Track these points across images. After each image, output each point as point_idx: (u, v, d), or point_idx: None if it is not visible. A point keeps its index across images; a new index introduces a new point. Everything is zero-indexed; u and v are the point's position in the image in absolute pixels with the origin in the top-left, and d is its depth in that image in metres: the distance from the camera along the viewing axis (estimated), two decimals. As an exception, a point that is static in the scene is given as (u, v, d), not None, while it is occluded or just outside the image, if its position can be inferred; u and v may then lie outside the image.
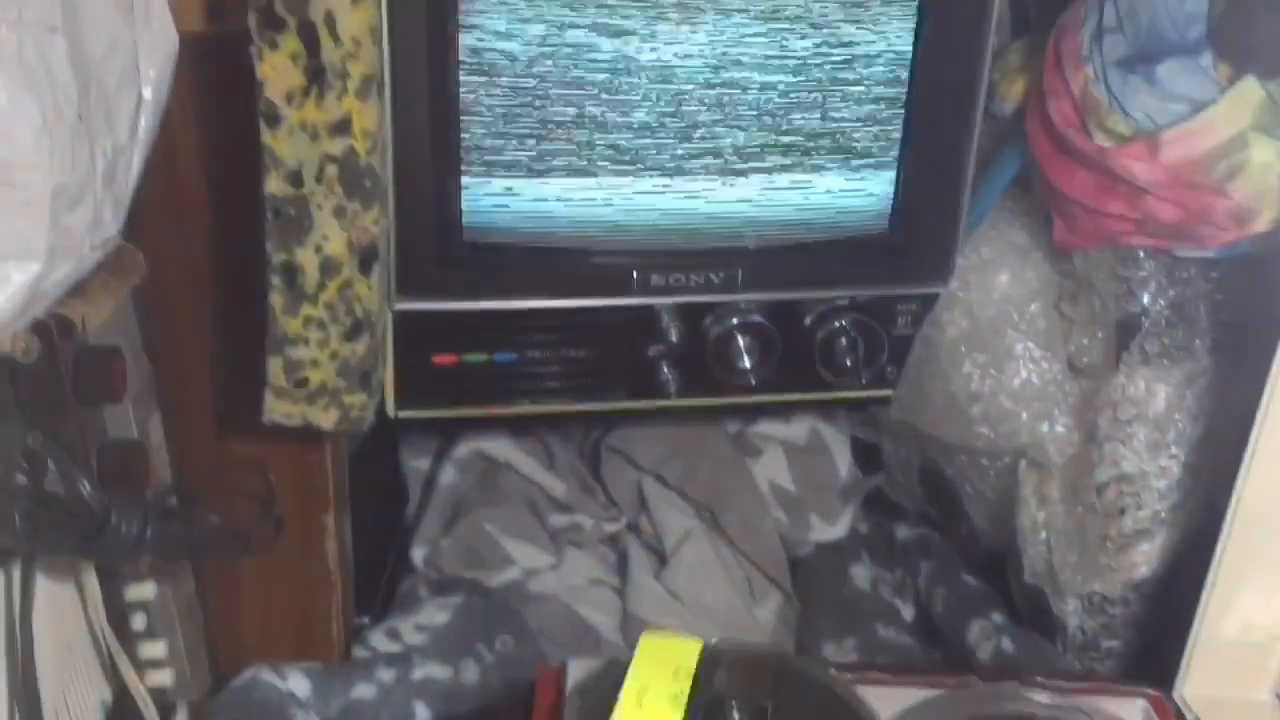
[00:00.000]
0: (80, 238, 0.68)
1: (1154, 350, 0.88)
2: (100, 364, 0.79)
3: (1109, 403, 0.89)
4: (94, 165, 0.68)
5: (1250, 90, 0.76)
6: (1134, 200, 0.82)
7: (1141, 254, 0.88)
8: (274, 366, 0.84)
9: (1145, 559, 0.91)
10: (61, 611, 0.82)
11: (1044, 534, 0.96)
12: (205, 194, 0.88)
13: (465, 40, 0.83)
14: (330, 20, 0.74)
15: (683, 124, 0.90)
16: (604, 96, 0.88)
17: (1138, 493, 0.89)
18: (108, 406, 0.84)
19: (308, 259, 0.81)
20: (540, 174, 0.89)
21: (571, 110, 0.88)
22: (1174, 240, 0.84)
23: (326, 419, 0.87)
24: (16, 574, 0.76)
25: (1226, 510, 0.78)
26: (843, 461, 1.23)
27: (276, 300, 0.82)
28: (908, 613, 1.18)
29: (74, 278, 0.71)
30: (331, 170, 0.78)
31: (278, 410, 0.86)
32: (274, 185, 0.78)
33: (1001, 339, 0.96)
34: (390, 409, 0.97)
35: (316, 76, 0.75)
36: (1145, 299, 0.88)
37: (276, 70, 0.75)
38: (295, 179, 0.78)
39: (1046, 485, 0.96)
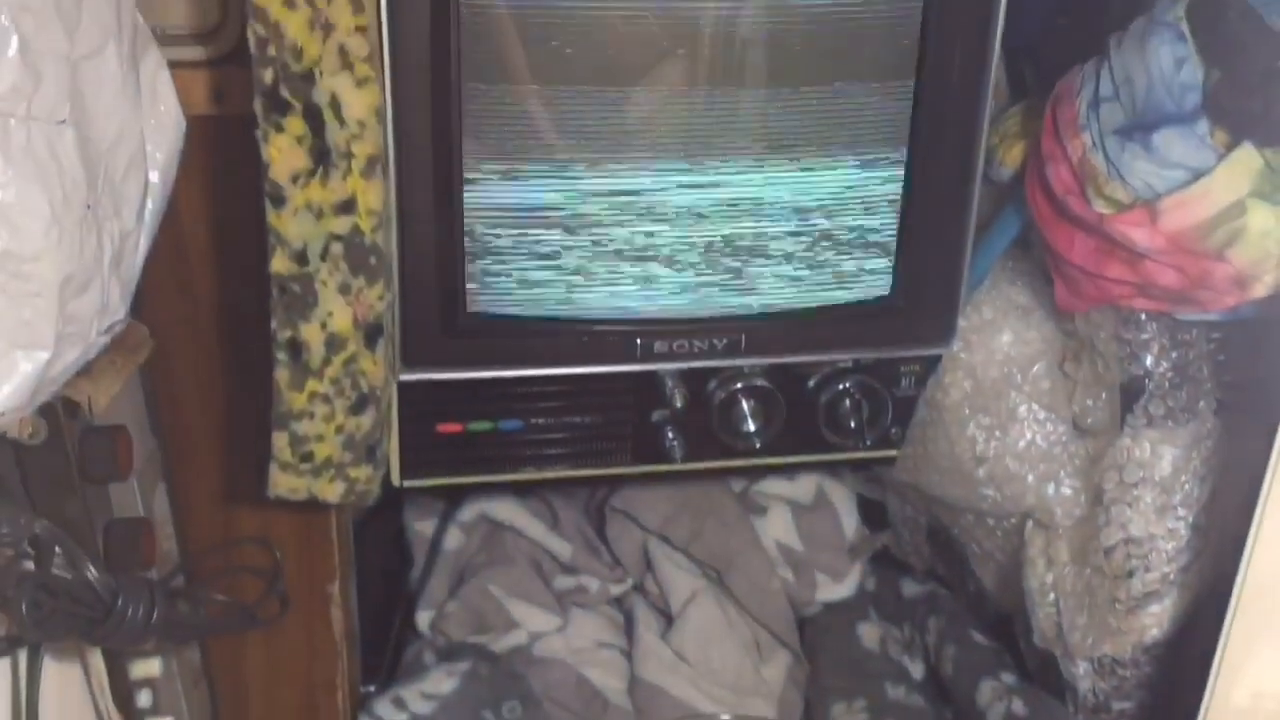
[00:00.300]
0: (88, 324, 0.69)
1: (1158, 413, 0.88)
2: (106, 443, 0.80)
3: (1114, 465, 0.89)
4: (102, 252, 0.68)
5: (1248, 157, 0.76)
6: (1134, 265, 0.82)
7: (1143, 316, 0.88)
8: (279, 441, 0.84)
9: (1155, 621, 0.91)
10: (67, 693, 0.82)
11: (1053, 596, 0.95)
12: (211, 269, 0.89)
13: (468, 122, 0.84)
14: (335, 103, 0.75)
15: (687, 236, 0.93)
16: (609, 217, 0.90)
17: (1146, 555, 0.89)
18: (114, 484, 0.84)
19: (313, 335, 0.81)
20: (543, 256, 0.91)
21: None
22: (1175, 304, 0.84)
23: (332, 493, 0.87)
24: (23, 657, 0.75)
25: (1236, 573, 0.78)
26: (849, 519, 1.23)
27: (282, 376, 0.82)
28: (917, 671, 1.17)
29: (81, 361, 0.71)
30: (336, 248, 0.79)
31: (283, 485, 0.86)
32: (279, 264, 0.79)
33: (1005, 400, 0.96)
34: (395, 478, 0.98)
35: (322, 157, 0.76)
36: (1148, 361, 0.88)
37: (282, 153, 0.75)
38: (300, 257, 0.79)
39: (1054, 547, 0.95)
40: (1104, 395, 0.93)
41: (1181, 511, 0.88)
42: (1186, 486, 0.88)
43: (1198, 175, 0.78)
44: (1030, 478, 0.95)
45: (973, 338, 0.98)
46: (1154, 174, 0.79)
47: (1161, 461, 0.87)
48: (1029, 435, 0.95)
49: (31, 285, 0.63)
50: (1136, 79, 0.79)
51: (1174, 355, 0.88)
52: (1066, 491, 0.94)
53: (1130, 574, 0.90)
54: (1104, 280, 0.85)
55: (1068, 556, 0.95)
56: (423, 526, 1.25)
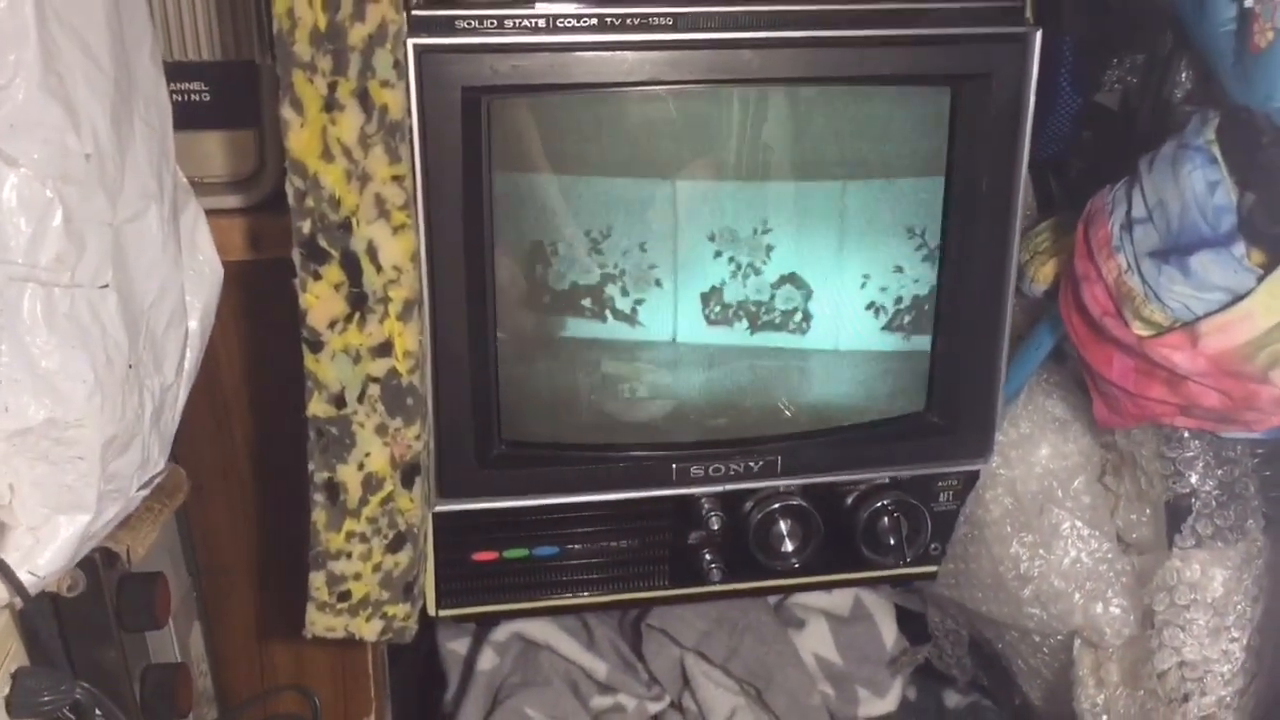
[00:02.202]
0: (129, 480, 0.69)
1: (1207, 532, 0.86)
2: (144, 592, 0.79)
3: (1165, 587, 0.87)
4: (143, 409, 0.68)
5: (1287, 278, 0.76)
6: (1176, 386, 0.81)
7: (1186, 434, 0.87)
8: (316, 581, 0.84)
9: (1213, 746, 0.88)
10: None
11: (1105, 718, 0.93)
12: (246, 408, 0.89)
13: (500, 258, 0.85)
14: (372, 250, 0.75)
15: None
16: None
17: (1201, 679, 0.87)
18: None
19: (350, 476, 0.81)
20: (577, 387, 0.91)
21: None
22: (1219, 424, 0.83)
23: (370, 631, 0.86)
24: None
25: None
26: (888, 631, 1.21)
27: (319, 517, 0.82)
28: (964, 787, 1.14)
29: (121, 516, 0.71)
30: (374, 390, 0.79)
31: (320, 624, 0.85)
32: (317, 407, 0.79)
33: (1047, 516, 0.95)
34: (431, 608, 0.97)
35: (359, 303, 0.76)
36: (1193, 479, 0.87)
37: (320, 299, 0.76)
38: (338, 401, 0.79)
39: (1104, 667, 0.93)
40: (1148, 511, 0.92)
41: (1235, 633, 0.86)
42: (1239, 607, 0.86)
43: (1237, 297, 0.77)
44: (1077, 597, 0.93)
45: (1011, 452, 0.97)
46: (1192, 296, 0.78)
47: (1213, 583, 0.86)
48: (1073, 553, 0.93)
49: (75, 450, 0.63)
50: (1170, 202, 0.79)
51: (1219, 473, 0.87)
52: (1115, 611, 0.92)
53: (1186, 698, 0.87)
54: (1145, 400, 0.84)
55: (1119, 678, 0.92)
56: (456, 646, 1.23)
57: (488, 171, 0.81)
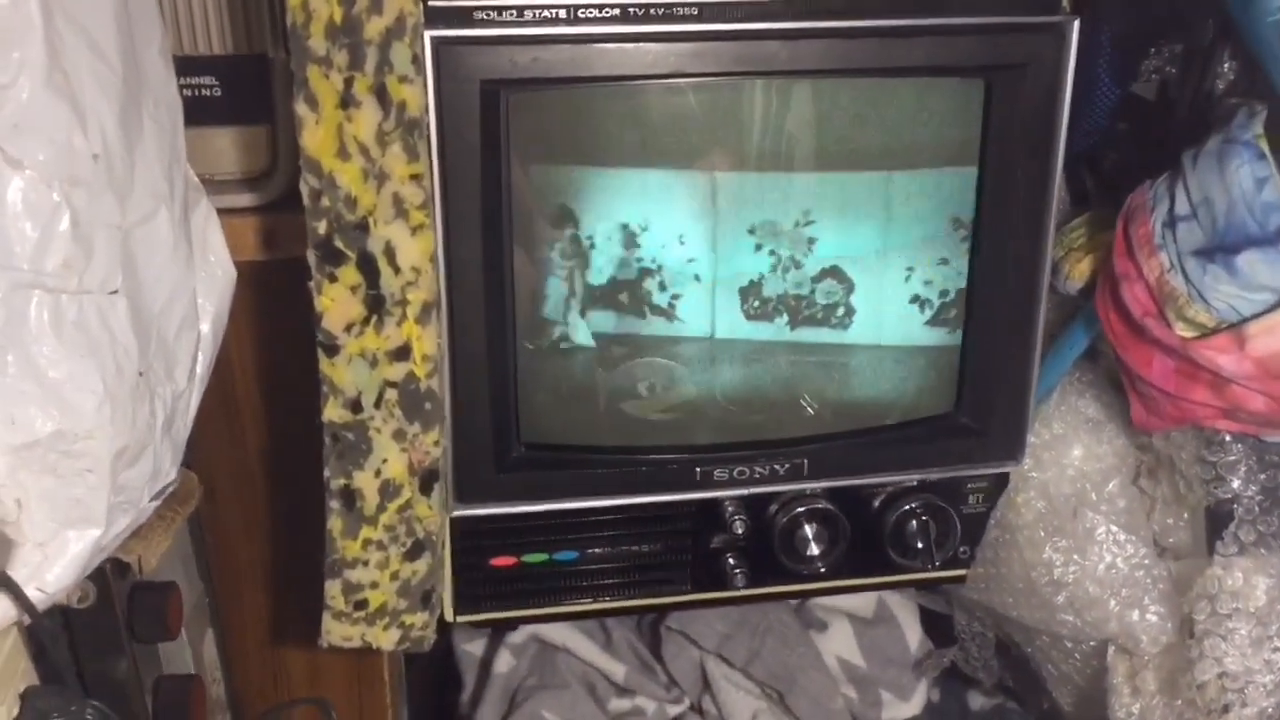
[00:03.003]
0: (140, 492, 0.66)
1: (1249, 539, 0.84)
2: (156, 602, 0.77)
3: (1205, 595, 0.85)
4: (154, 419, 0.66)
5: (1337, 279, 0.73)
6: (1219, 389, 0.79)
7: (1227, 437, 0.84)
8: (332, 590, 0.82)
9: (1254, 758, 0.86)
10: None
11: (1141, 727, 0.91)
12: (259, 412, 0.87)
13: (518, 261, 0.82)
14: (390, 251, 0.73)
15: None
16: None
17: (1242, 690, 0.84)
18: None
19: (367, 483, 0.79)
20: (598, 388, 0.89)
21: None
22: (1264, 428, 0.81)
23: (387, 640, 0.84)
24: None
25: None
26: (913, 634, 1.18)
27: (335, 524, 0.80)
28: (990, 791, 1.12)
29: (132, 528, 0.69)
30: (391, 395, 0.77)
31: (337, 633, 0.83)
32: (332, 412, 0.76)
33: (1081, 520, 0.92)
34: (449, 613, 0.94)
35: (376, 305, 0.74)
36: (1235, 484, 0.84)
37: (335, 302, 0.73)
38: (354, 405, 0.76)
39: (1140, 676, 0.91)
40: (1186, 516, 0.89)
41: (1279, 643, 0.84)
42: (1283, 616, 0.84)
43: (1286, 298, 0.74)
44: (1113, 603, 0.90)
45: (1043, 454, 0.95)
46: (1238, 297, 0.76)
47: (1255, 591, 0.83)
48: (1109, 558, 0.91)
49: (84, 463, 0.61)
50: (1216, 199, 0.76)
51: (1262, 477, 0.84)
52: (1152, 618, 0.90)
53: (1226, 709, 0.85)
54: (1186, 402, 0.81)
55: (1155, 686, 0.90)
56: (472, 648, 1.22)
57: (506, 168, 0.78)
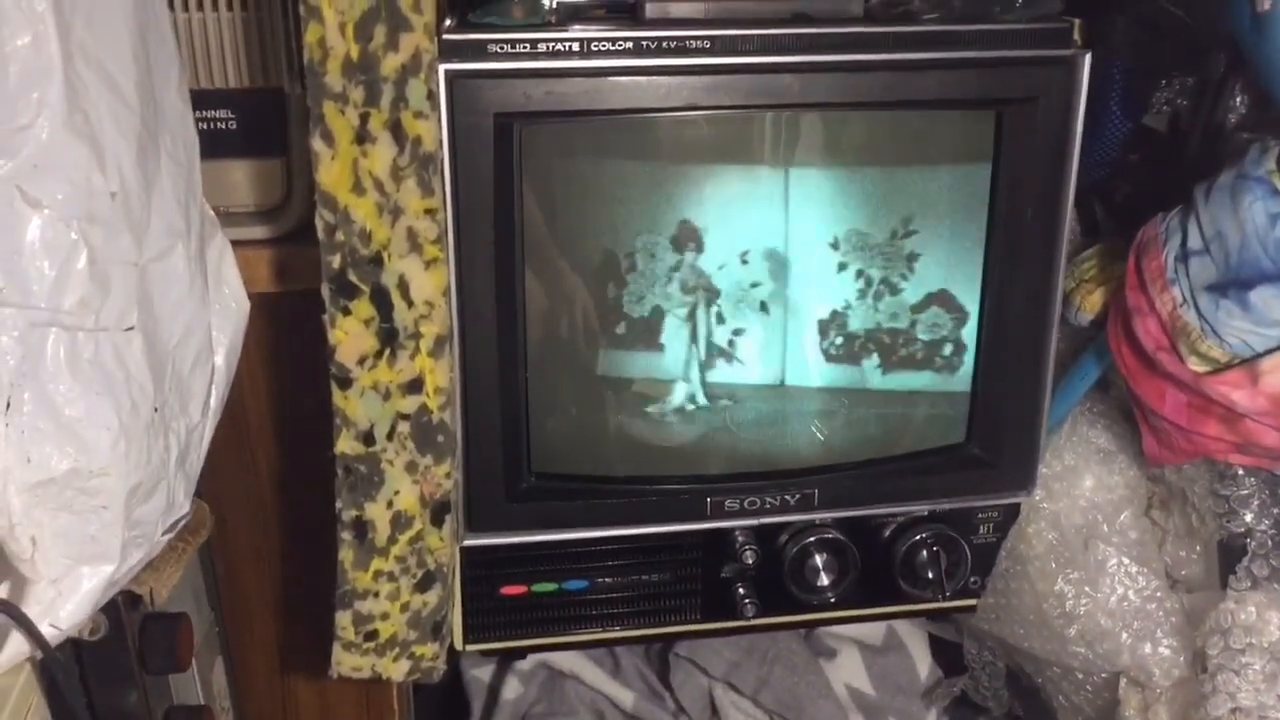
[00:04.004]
0: (153, 527, 0.66)
1: (1262, 574, 0.83)
2: (167, 634, 0.77)
3: (1218, 630, 0.84)
4: (169, 454, 0.66)
5: (1351, 315, 0.73)
6: (1232, 424, 0.79)
7: (1240, 471, 0.84)
8: (343, 620, 0.82)
9: (1267, 793, 0.85)
10: None
11: (1153, 762, 0.90)
12: (271, 442, 0.87)
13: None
14: (404, 285, 0.73)
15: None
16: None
17: (1256, 725, 0.84)
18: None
19: (379, 514, 0.79)
20: (609, 420, 0.88)
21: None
22: (1277, 463, 0.80)
23: (397, 671, 0.84)
24: None
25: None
26: (922, 662, 1.18)
27: (346, 555, 0.80)
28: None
29: (145, 561, 0.69)
30: (404, 427, 0.77)
31: (347, 664, 0.83)
32: (345, 445, 0.77)
33: (1093, 552, 0.92)
34: (458, 642, 0.94)
35: (389, 339, 0.74)
36: (1249, 518, 0.84)
37: (349, 335, 0.73)
38: (367, 438, 0.76)
39: (1153, 709, 0.90)
40: (1198, 549, 0.89)
41: (1292, 678, 0.83)
42: (1296, 651, 0.83)
43: (1299, 334, 0.74)
44: (1125, 636, 0.90)
45: (1054, 485, 0.95)
46: (1252, 333, 0.75)
47: (1269, 626, 0.83)
48: (1120, 590, 0.90)
49: (98, 500, 0.61)
50: (1229, 234, 0.76)
51: (1275, 512, 0.84)
52: (1164, 651, 0.89)
53: (1240, 744, 0.84)
54: (1199, 436, 0.81)
55: (1168, 719, 0.90)
56: (480, 673, 1.22)
57: (519, 200, 0.78)
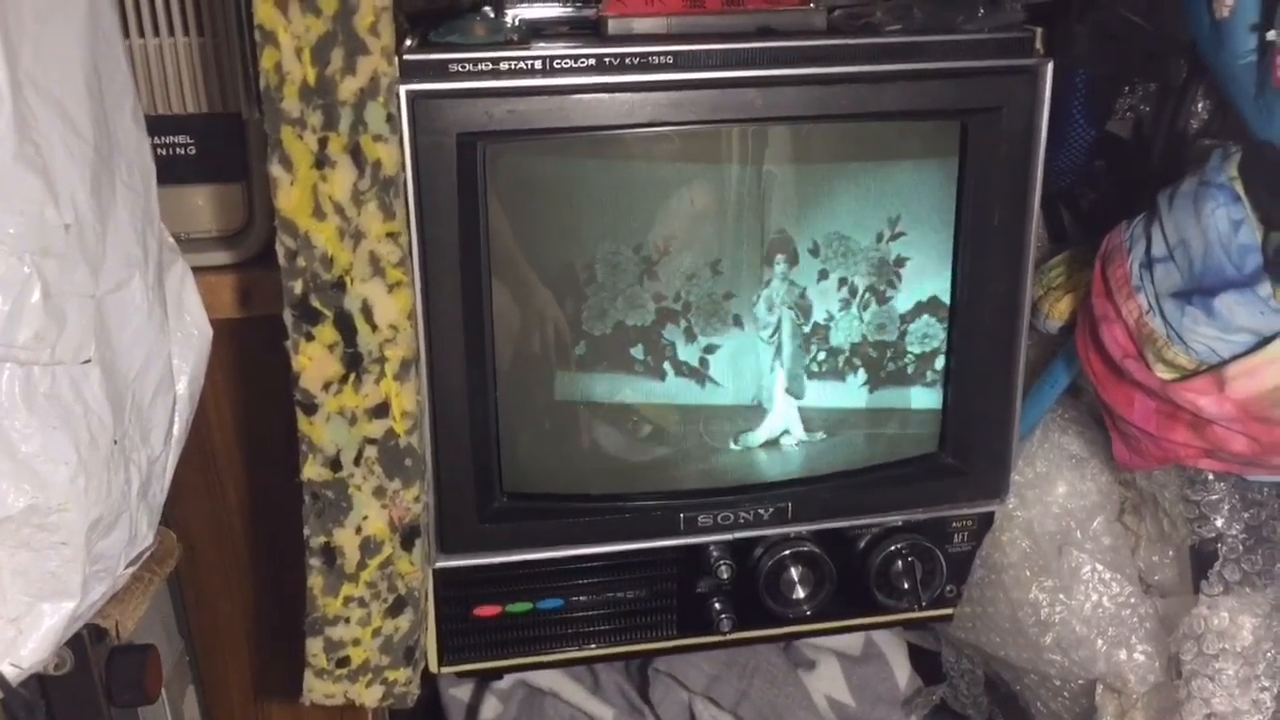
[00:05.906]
0: (116, 559, 0.66)
1: (1234, 578, 0.83)
2: (134, 666, 0.76)
3: (1192, 635, 0.85)
4: (129, 486, 0.65)
5: (1317, 318, 0.73)
6: (1200, 430, 0.79)
7: (1210, 476, 0.84)
8: (314, 647, 0.81)
9: (1244, 798, 0.85)
10: None
11: (1131, 767, 0.90)
12: (239, 469, 0.86)
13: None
14: (367, 309, 0.72)
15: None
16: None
17: (1231, 729, 0.84)
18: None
19: (347, 540, 0.78)
20: (579, 439, 0.87)
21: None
22: (1246, 468, 0.81)
23: (369, 697, 0.83)
24: None
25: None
26: (901, 671, 1.18)
27: (315, 582, 0.79)
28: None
29: (108, 594, 0.68)
30: (371, 452, 0.76)
31: (319, 691, 0.82)
32: (311, 471, 0.76)
33: (1067, 559, 0.92)
34: (433, 664, 0.93)
35: (354, 363, 0.73)
36: (1219, 523, 0.84)
37: (313, 361, 0.73)
38: (334, 464, 0.76)
39: (1129, 714, 0.90)
40: (1171, 553, 0.89)
41: (1266, 683, 0.84)
42: (1269, 655, 0.84)
43: (1264, 340, 0.74)
44: (1100, 643, 0.90)
45: (1027, 492, 0.95)
46: (1218, 339, 0.76)
47: (1242, 631, 0.83)
48: (1095, 597, 0.90)
49: (58, 535, 0.60)
50: (1192, 241, 0.77)
51: (1246, 516, 0.84)
52: (1139, 657, 0.89)
53: (1216, 749, 0.85)
54: (1168, 442, 0.81)
55: (1144, 725, 0.90)
56: (459, 693, 1.20)
57: (485, 220, 0.78)
